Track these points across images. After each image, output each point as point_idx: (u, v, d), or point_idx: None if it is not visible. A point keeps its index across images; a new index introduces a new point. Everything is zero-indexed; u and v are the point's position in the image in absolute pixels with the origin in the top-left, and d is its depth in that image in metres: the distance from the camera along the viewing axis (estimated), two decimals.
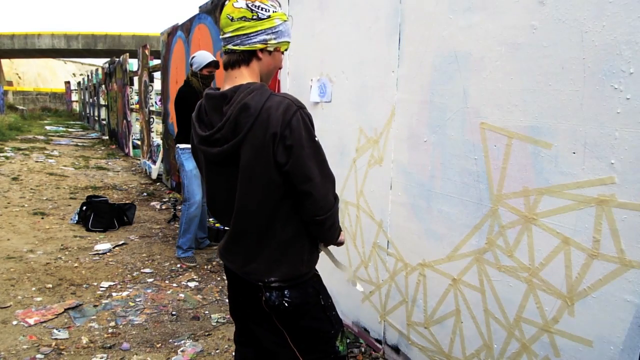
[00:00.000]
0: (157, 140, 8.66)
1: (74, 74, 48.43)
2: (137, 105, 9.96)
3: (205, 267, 4.09)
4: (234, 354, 1.77)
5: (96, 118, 18.81)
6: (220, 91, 1.42)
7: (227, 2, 1.41)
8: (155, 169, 8.00)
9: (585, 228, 1.60)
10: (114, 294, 3.46)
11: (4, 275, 3.70)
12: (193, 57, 4.14)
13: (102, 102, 16.53)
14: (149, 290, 3.54)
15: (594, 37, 1.53)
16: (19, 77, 43.61)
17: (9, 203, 6.05)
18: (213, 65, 4.11)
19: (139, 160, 9.97)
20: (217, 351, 2.72)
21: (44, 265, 3.96)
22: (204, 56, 4.11)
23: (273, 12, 1.40)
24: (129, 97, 10.85)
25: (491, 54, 1.88)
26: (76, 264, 4.02)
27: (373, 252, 2.66)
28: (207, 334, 2.92)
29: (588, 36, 1.54)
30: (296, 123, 1.32)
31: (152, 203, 6.46)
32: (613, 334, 1.54)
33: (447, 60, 2.08)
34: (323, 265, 3.24)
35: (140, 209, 5.96)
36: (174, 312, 3.19)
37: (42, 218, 5.46)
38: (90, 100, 20.65)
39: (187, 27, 6.10)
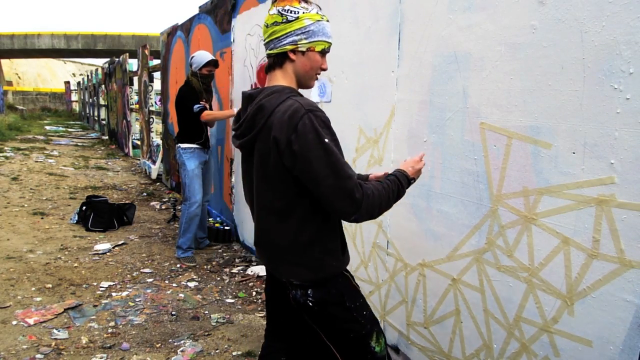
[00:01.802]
0: (156, 140, 8.66)
1: (73, 74, 48.42)
2: (137, 105, 9.96)
3: (205, 267, 4.09)
4: (261, 349, 1.77)
5: (96, 118, 18.81)
6: (250, 91, 1.52)
7: (267, 14, 1.48)
8: (155, 169, 8.00)
9: (585, 228, 1.60)
10: (113, 294, 3.46)
11: (4, 275, 3.70)
12: (192, 57, 4.14)
13: (102, 102, 16.52)
14: (148, 290, 3.54)
15: (594, 37, 1.53)
16: (19, 77, 43.60)
17: (8, 203, 6.05)
18: (212, 64, 4.11)
19: (139, 160, 9.96)
20: (217, 351, 2.72)
21: (43, 265, 3.96)
22: (203, 55, 4.11)
23: (302, 13, 1.42)
24: (129, 97, 10.84)
25: (491, 54, 1.88)
26: (76, 264, 4.02)
27: (373, 252, 2.66)
28: (206, 334, 2.92)
29: (588, 36, 1.55)
30: (302, 127, 1.31)
31: (152, 203, 6.46)
32: (613, 334, 1.54)
33: (447, 60, 2.08)
34: None
35: (140, 209, 5.96)
36: (173, 312, 3.19)
37: (42, 218, 5.45)
38: (90, 100, 20.65)
39: (186, 27, 6.10)
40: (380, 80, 2.52)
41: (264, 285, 3.68)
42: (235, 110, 4.02)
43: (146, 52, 8.65)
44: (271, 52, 1.47)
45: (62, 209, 5.89)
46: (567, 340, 1.68)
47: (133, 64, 10.36)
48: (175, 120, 4.62)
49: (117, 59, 12.36)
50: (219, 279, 3.83)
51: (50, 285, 3.55)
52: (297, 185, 1.39)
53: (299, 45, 1.44)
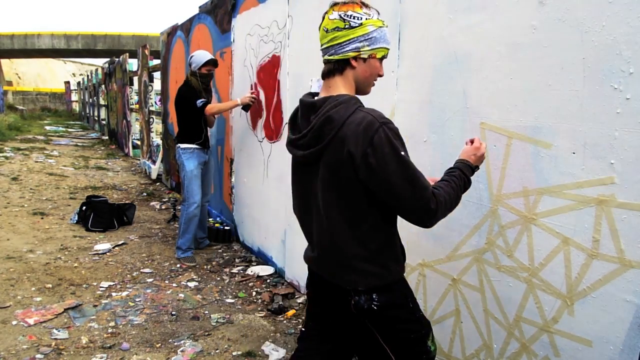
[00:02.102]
0: (156, 140, 8.66)
1: (73, 74, 48.42)
2: (137, 105, 9.96)
3: (205, 267, 4.09)
4: (297, 351, 1.75)
5: (96, 118, 18.80)
6: (312, 100, 1.46)
7: (325, 16, 1.44)
8: (155, 169, 8.00)
9: (585, 228, 1.60)
10: (113, 294, 3.46)
11: (4, 275, 3.70)
12: (192, 57, 4.14)
13: (102, 102, 16.52)
14: (148, 290, 3.54)
15: (594, 37, 1.53)
16: (19, 77, 43.60)
17: (8, 203, 6.05)
18: (211, 63, 4.11)
19: (139, 160, 9.96)
20: (217, 351, 2.72)
21: (43, 265, 3.96)
22: (202, 55, 4.11)
23: (366, 19, 1.39)
24: (129, 97, 10.84)
25: (491, 54, 1.88)
26: (76, 264, 4.02)
27: None
28: (206, 334, 2.92)
29: (588, 36, 1.55)
30: (378, 140, 1.30)
31: (152, 203, 6.46)
32: (613, 334, 1.55)
33: (447, 60, 2.08)
34: None
35: (140, 209, 5.96)
36: (173, 312, 3.19)
37: (42, 218, 5.45)
38: (90, 100, 20.65)
39: (186, 27, 6.10)
40: (380, 80, 2.51)
41: (258, 285, 3.68)
42: (239, 100, 4.02)
43: (146, 52, 8.65)
44: (331, 57, 1.43)
45: (62, 209, 5.89)
46: (567, 340, 1.68)
47: (133, 64, 10.37)
48: (175, 120, 4.63)
49: (117, 59, 12.37)
50: (219, 279, 3.83)
51: (50, 285, 3.55)
52: (367, 195, 1.39)
53: (361, 52, 1.41)
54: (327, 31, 1.42)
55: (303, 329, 1.74)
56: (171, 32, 6.94)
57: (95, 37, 30.07)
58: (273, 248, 3.94)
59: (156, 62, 8.49)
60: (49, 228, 5.07)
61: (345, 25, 1.38)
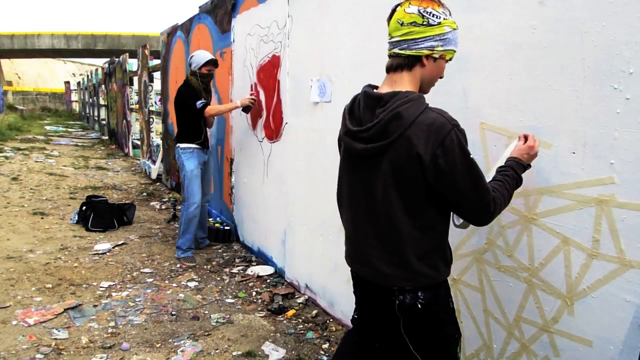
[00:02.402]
0: (156, 140, 8.66)
1: (73, 74, 48.40)
2: (137, 105, 9.96)
3: (205, 267, 4.09)
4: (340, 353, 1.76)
5: (96, 118, 18.80)
6: (377, 92, 1.44)
7: (398, 8, 1.41)
8: (155, 169, 8.00)
9: (585, 228, 1.60)
10: (113, 294, 3.46)
11: (4, 275, 3.70)
12: (192, 56, 4.14)
13: (102, 102, 16.52)
14: (148, 290, 3.54)
15: (594, 37, 1.53)
16: (19, 77, 43.60)
17: (8, 203, 6.05)
18: (212, 63, 4.11)
19: (139, 160, 9.96)
20: (217, 351, 2.72)
21: (43, 265, 3.96)
22: (202, 55, 4.11)
23: (444, 19, 1.38)
24: (129, 97, 10.84)
25: (491, 54, 1.88)
26: (76, 264, 4.02)
27: None
28: (206, 334, 2.92)
29: (588, 36, 1.55)
30: (450, 142, 1.30)
31: (152, 203, 6.46)
32: (613, 334, 1.55)
33: None
34: (324, 265, 3.25)
35: (140, 209, 5.96)
36: (173, 312, 3.19)
37: (42, 218, 5.45)
38: (90, 100, 20.65)
39: (186, 27, 6.10)
40: (380, 80, 2.51)
41: (258, 285, 3.68)
42: (239, 102, 4.01)
43: (146, 52, 8.65)
44: (402, 52, 1.40)
45: (62, 209, 5.89)
46: (567, 340, 1.68)
47: (133, 64, 10.36)
48: (175, 120, 4.62)
49: (117, 59, 12.36)
50: (219, 279, 3.83)
51: (50, 285, 3.55)
52: (428, 195, 1.39)
53: (434, 52, 1.40)
54: (401, 24, 1.38)
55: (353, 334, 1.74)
56: (171, 32, 6.94)
57: (95, 37, 30.06)
58: (273, 248, 3.94)
59: (156, 62, 8.49)
60: (49, 228, 5.07)
61: (423, 21, 1.36)
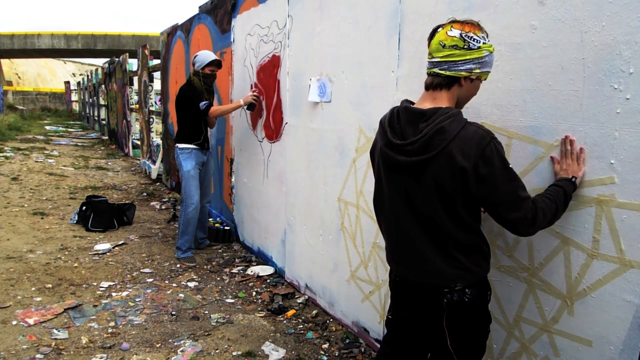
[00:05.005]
0: (156, 140, 8.66)
1: (73, 74, 48.41)
2: (137, 105, 9.96)
3: (205, 267, 4.09)
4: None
5: (96, 118, 18.80)
6: (419, 108, 1.51)
7: (439, 29, 1.49)
8: (155, 169, 8.00)
9: (585, 228, 1.60)
10: (113, 294, 3.46)
11: (4, 275, 3.70)
12: (195, 56, 4.14)
13: (102, 102, 16.52)
14: (148, 290, 3.54)
15: (594, 37, 1.53)
16: (19, 77, 43.60)
17: (8, 203, 6.05)
18: (215, 64, 4.11)
19: (139, 160, 9.96)
20: (217, 351, 2.72)
21: (43, 265, 3.96)
22: (206, 55, 4.11)
23: (483, 43, 1.47)
24: (129, 97, 10.85)
25: None
26: (76, 264, 4.02)
27: (373, 252, 2.66)
28: (206, 334, 2.92)
29: (588, 36, 1.55)
30: (490, 153, 1.39)
31: (152, 203, 6.46)
32: (613, 334, 1.55)
33: None
34: (324, 265, 3.24)
35: (139, 209, 5.96)
36: (173, 312, 3.19)
37: (42, 218, 5.45)
38: (90, 100, 20.65)
39: (186, 27, 6.10)
40: (380, 80, 2.52)
41: (258, 285, 3.68)
42: (241, 101, 4.00)
43: (146, 52, 8.65)
44: (443, 72, 1.48)
45: (62, 209, 5.89)
46: (567, 340, 1.68)
47: (133, 64, 10.37)
48: (175, 120, 4.62)
49: (117, 59, 12.36)
50: (219, 279, 3.83)
51: (50, 285, 3.55)
52: (471, 203, 1.47)
53: (472, 74, 1.48)
54: (443, 46, 1.47)
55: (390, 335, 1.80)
56: (171, 32, 6.94)
57: (95, 37, 30.06)
58: (273, 248, 3.94)
59: (156, 62, 8.49)
60: (49, 228, 5.07)
61: (464, 45, 1.45)
